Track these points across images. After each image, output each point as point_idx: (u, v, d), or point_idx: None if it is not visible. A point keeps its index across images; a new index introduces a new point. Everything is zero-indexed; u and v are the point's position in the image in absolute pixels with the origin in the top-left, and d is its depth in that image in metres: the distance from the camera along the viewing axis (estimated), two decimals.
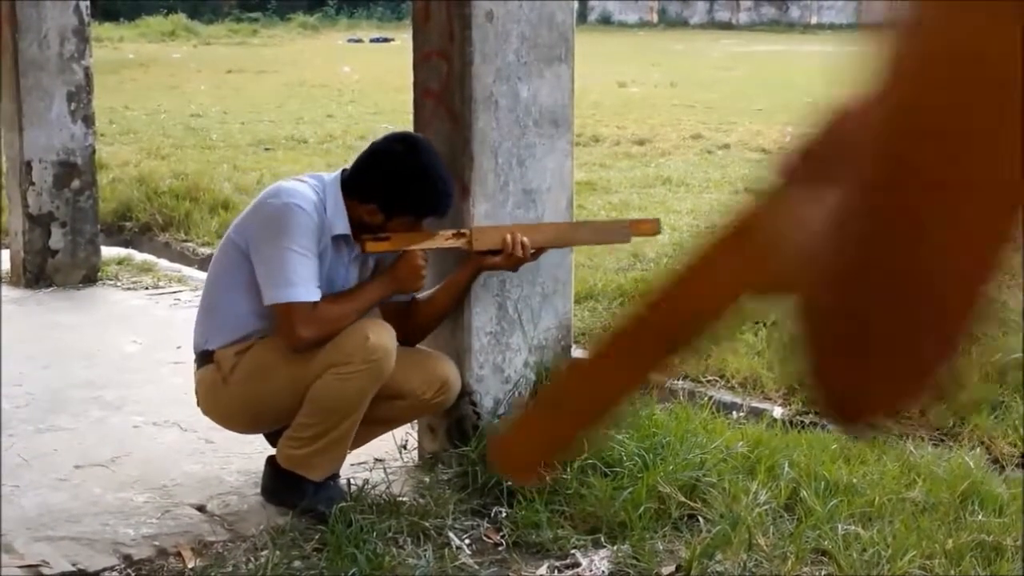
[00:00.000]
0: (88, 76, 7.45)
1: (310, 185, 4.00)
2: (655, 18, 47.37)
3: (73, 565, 3.80)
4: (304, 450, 4.04)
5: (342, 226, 3.98)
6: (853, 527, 3.92)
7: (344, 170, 4.09)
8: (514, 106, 4.35)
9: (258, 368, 3.97)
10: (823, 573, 3.70)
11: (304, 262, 3.86)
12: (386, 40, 34.32)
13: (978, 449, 4.89)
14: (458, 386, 4.23)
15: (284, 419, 4.06)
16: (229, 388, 4.02)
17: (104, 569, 3.78)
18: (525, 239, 4.18)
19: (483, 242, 4.15)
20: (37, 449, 3.81)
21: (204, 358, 4.09)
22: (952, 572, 3.67)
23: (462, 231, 4.15)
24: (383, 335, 3.95)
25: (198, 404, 4.18)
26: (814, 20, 46.89)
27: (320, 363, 3.90)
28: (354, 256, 4.09)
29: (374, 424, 4.16)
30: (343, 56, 28.30)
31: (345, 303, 3.97)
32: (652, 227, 4.61)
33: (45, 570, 3.76)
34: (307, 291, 3.85)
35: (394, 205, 3.98)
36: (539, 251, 4.25)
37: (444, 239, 4.11)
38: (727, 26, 45.65)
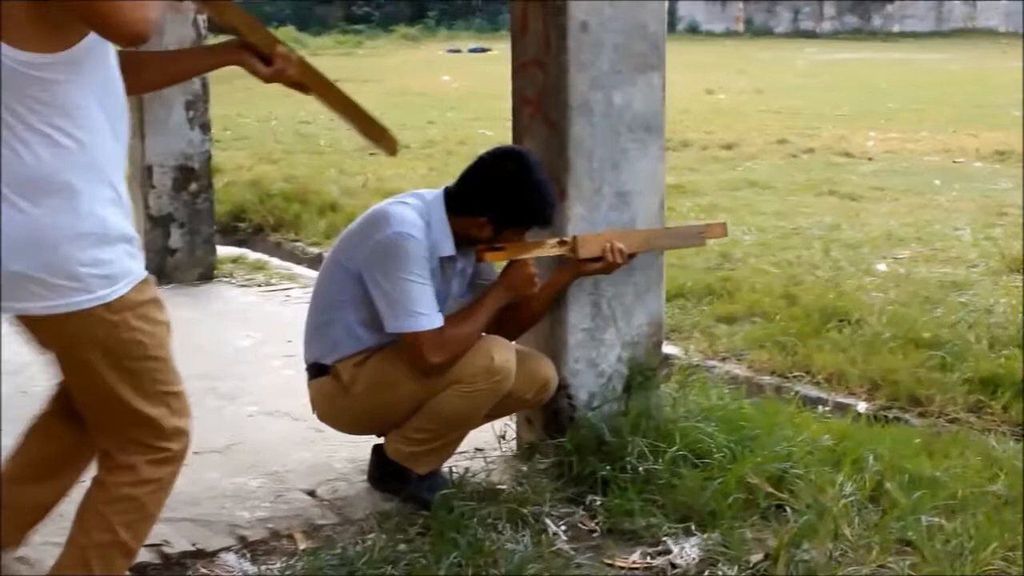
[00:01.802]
0: (204, 86, 7.54)
1: (414, 207, 3.98)
2: (741, 27, 47.00)
3: (192, 545, 3.85)
4: (415, 448, 4.07)
5: (448, 247, 3.99)
6: (936, 519, 3.86)
7: (446, 188, 4.07)
8: (608, 112, 4.33)
9: (381, 380, 3.99)
10: (907, 563, 3.64)
11: (422, 290, 3.87)
12: (484, 50, 34.38)
13: None
14: (556, 385, 4.25)
15: (400, 424, 4.09)
16: (350, 398, 4.04)
17: (221, 549, 3.83)
18: (622, 246, 4.19)
19: (586, 249, 4.17)
20: None
21: (319, 370, 4.11)
22: None
23: (565, 239, 4.17)
24: (505, 355, 3.98)
25: (314, 411, 4.20)
26: (896, 29, 46.34)
27: (445, 379, 3.93)
28: (457, 270, 4.11)
29: None
30: (443, 65, 28.41)
31: (469, 323, 3.99)
32: (721, 230, 4.65)
33: (166, 549, 3.81)
34: (431, 319, 3.87)
35: (506, 219, 3.98)
36: (631, 256, 4.26)
37: (551, 247, 4.16)
38: (811, 35, 45.23)
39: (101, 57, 2.84)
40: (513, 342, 4.15)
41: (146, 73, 3.32)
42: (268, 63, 3.32)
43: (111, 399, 3.03)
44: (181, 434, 3.16)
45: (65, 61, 2.75)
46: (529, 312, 4.26)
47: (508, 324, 4.16)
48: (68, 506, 3.35)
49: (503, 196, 3.97)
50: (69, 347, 2.99)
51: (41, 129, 2.78)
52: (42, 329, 2.98)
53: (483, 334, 4.02)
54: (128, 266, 2.94)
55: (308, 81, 3.52)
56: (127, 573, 3.32)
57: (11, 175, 2.78)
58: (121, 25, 2.65)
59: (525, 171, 4.00)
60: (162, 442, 3.12)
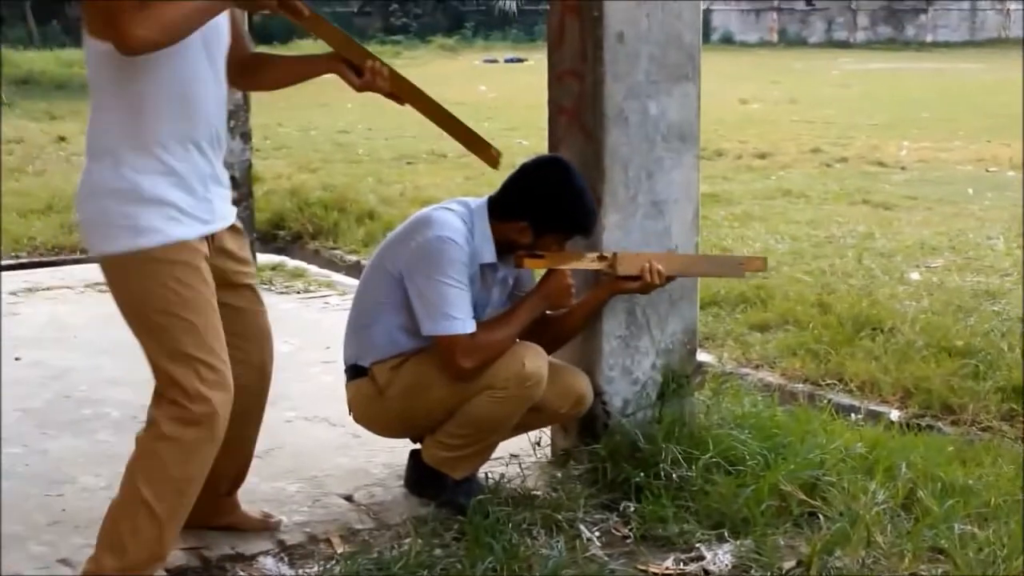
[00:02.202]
0: (246, 96, 7.56)
1: (458, 214, 3.99)
2: (775, 38, 46.91)
3: (231, 548, 3.85)
4: (450, 453, 4.08)
5: (489, 254, 4.00)
6: (969, 527, 3.83)
7: (490, 198, 4.07)
8: (643, 122, 4.33)
9: (415, 384, 3.99)
10: (939, 571, 3.62)
11: (459, 294, 3.87)
12: (520, 60, 34.44)
13: None
14: (591, 399, 4.24)
15: (434, 428, 4.09)
16: (385, 401, 4.05)
17: (260, 553, 3.83)
18: (660, 267, 4.17)
19: (625, 267, 4.16)
20: None
21: (357, 372, 4.12)
22: None
23: (605, 255, 4.16)
24: (537, 362, 3.96)
25: (350, 413, 4.21)
26: (929, 39, 46.15)
27: (477, 384, 3.93)
28: (498, 278, 4.11)
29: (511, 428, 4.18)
30: (480, 76, 28.48)
31: (502, 329, 3.98)
32: (760, 264, 4.61)
33: (206, 552, 3.82)
34: (464, 324, 3.87)
35: (547, 225, 3.98)
36: (669, 279, 4.24)
37: (590, 261, 4.15)
38: (844, 45, 45.09)
39: (171, 53, 3.18)
40: (549, 355, 4.15)
41: (267, 73, 3.75)
42: (360, 75, 3.57)
43: (146, 354, 3.39)
44: (205, 400, 3.34)
45: (116, 54, 3.14)
46: (565, 327, 4.25)
47: (543, 338, 4.14)
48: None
49: (543, 200, 3.98)
50: (112, 290, 3.41)
51: (106, 104, 3.30)
52: (102, 271, 3.42)
53: (517, 341, 4.02)
54: (161, 226, 3.30)
55: (401, 93, 3.71)
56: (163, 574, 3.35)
57: (88, 139, 3.37)
58: (120, 36, 3.05)
59: (566, 177, 4.01)
60: (186, 402, 3.33)
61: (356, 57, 3.56)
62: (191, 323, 3.34)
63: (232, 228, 3.64)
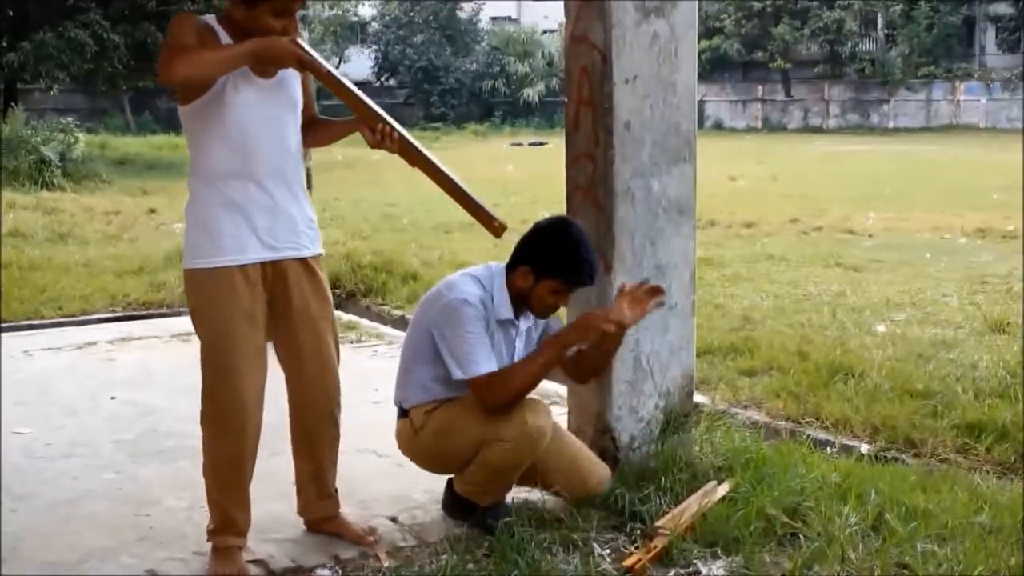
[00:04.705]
0: (308, 174, 7.57)
1: (479, 277, 4.00)
2: (760, 124, 47.06)
3: (292, 561, 3.84)
4: (475, 488, 4.06)
5: (506, 312, 3.98)
6: (930, 545, 3.79)
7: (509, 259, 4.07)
8: (647, 197, 4.34)
9: (443, 429, 3.98)
10: None
11: (478, 343, 3.86)
12: (542, 144, 34.57)
13: None
14: (605, 487, 4.18)
15: (462, 467, 4.05)
16: (420, 440, 4.04)
17: (317, 566, 3.81)
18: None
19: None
20: (266, 469, 3.87)
21: (402, 412, 4.13)
22: None
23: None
24: (540, 420, 3.90)
25: (399, 446, 4.22)
26: (891, 125, 46.20)
27: (490, 434, 3.89)
28: (521, 331, 4.09)
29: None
30: (507, 157, 28.57)
31: (523, 366, 3.92)
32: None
33: (271, 565, 3.81)
34: (483, 366, 3.86)
35: (543, 268, 3.92)
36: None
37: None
38: (819, 130, 45.18)
39: (221, 116, 3.52)
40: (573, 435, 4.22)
41: (318, 132, 3.92)
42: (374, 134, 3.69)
43: None
44: (213, 401, 3.66)
45: (191, 112, 3.56)
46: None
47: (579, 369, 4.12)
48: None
49: (541, 245, 3.94)
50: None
51: (191, 152, 3.62)
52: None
53: (527, 398, 3.96)
54: (203, 248, 3.58)
55: (408, 156, 3.76)
56: None
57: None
58: (163, 71, 3.36)
59: (562, 227, 3.97)
60: (205, 400, 3.68)
61: (367, 119, 3.66)
62: (209, 340, 3.61)
63: (304, 263, 3.75)
